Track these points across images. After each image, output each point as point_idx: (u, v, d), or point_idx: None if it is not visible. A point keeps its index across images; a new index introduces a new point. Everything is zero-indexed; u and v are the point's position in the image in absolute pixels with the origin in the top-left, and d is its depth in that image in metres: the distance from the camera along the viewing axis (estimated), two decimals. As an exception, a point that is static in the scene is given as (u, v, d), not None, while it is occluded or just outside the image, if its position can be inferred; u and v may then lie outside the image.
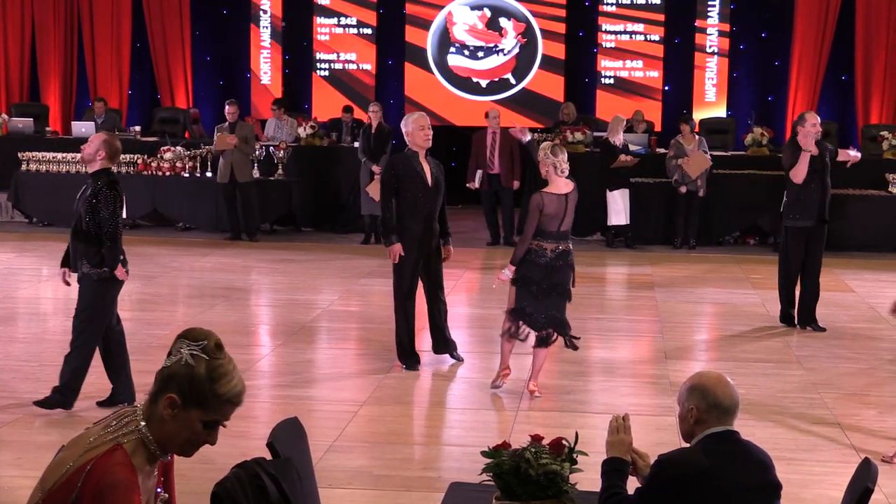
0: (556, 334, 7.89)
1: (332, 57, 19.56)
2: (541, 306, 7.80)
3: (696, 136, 15.05)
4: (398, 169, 8.64)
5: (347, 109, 17.12)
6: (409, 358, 8.76)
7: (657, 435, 6.99)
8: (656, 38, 18.96)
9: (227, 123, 15.12)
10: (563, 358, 9.11)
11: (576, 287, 8.02)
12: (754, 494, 3.70)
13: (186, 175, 15.62)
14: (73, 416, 7.30)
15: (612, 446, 3.94)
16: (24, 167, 15.83)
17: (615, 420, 3.98)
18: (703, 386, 3.79)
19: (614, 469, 3.88)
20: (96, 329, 7.43)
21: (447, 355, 8.94)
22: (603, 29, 19.04)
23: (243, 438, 6.97)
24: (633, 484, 3.89)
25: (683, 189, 14.75)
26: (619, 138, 14.76)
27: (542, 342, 7.92)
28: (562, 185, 7.73)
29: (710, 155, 15.14)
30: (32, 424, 7.18)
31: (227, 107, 15.23)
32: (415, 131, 8.63)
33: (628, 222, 14.90)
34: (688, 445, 3.82)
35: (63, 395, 7.40)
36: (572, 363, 8.93)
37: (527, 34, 19.16)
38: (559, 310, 7.84)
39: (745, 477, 3.69)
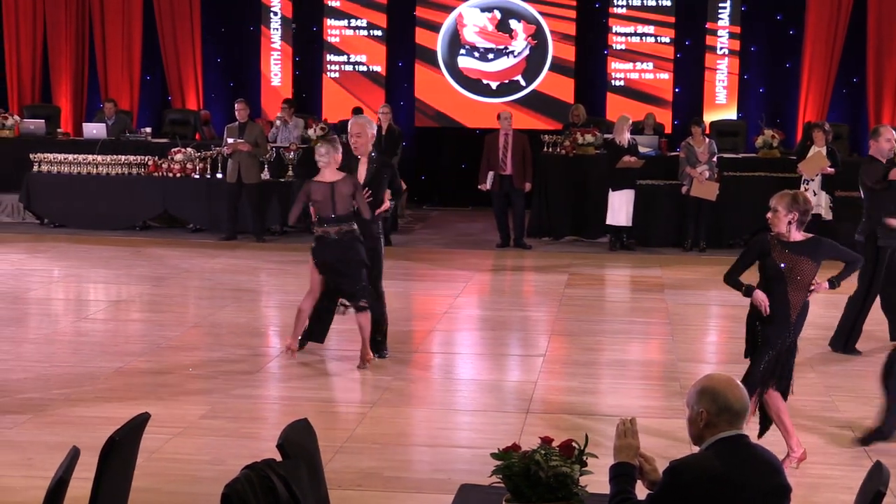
0: (364, 299, 8.65)
1: (343, 58, 19.57)
2: (346, 281, 8.61)
3: (706, 139, 15.02)
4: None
5: (357, 111, 17.09)
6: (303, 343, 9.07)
7: (668, 437, 6.98)
8: (667, 40, 18.93)
9: (236, 123, 15.11)
10: (573, 360, 9.11)
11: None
12: (766, 498, 3.69)
13: (197, 176, 15.63)
14: (83, 417, 7.32)
15: (619, 451, 3.92)
16: (35, 168, 15.85)
17: (622, 424, 3.96)
18: (714, 389, 3.77)
19: (623, 474, 3.86)
20: None
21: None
22: (613, 31, 19.01)
23: (253, 440, 6.98)
24: (639, 488, 3.88)
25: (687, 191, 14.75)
26: (624, 138, 14.67)
27: (361, 309, 8.67)
28: (328, 174, 8.68)
29: (721, 157, 15.12)
30: (43, 426, 7.19)
31: (236, 105, 15.21)
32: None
33: (630, 224, 14.83)
34: (698, 450, 3.81)
35: None
36: (583, 365, 8.92)
37: (537, 36, 19.14)
38: (362, 278, 8.63)
39: (757, 481, 3.68)
